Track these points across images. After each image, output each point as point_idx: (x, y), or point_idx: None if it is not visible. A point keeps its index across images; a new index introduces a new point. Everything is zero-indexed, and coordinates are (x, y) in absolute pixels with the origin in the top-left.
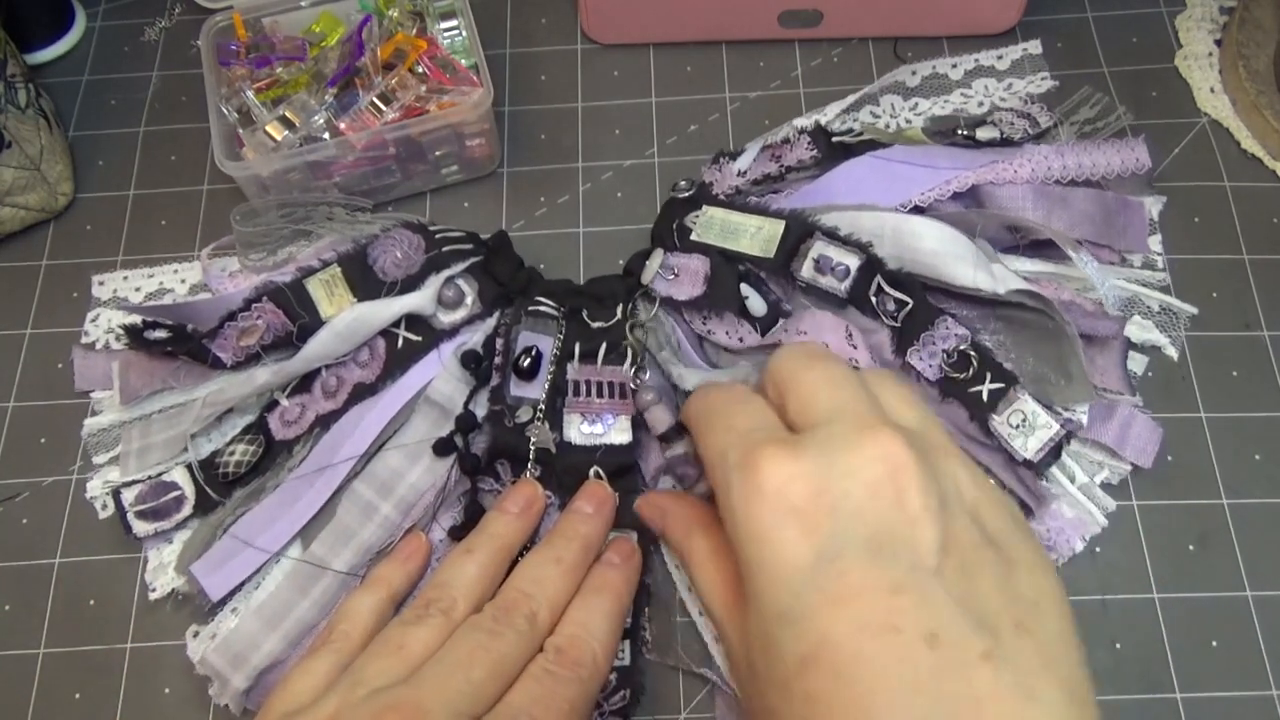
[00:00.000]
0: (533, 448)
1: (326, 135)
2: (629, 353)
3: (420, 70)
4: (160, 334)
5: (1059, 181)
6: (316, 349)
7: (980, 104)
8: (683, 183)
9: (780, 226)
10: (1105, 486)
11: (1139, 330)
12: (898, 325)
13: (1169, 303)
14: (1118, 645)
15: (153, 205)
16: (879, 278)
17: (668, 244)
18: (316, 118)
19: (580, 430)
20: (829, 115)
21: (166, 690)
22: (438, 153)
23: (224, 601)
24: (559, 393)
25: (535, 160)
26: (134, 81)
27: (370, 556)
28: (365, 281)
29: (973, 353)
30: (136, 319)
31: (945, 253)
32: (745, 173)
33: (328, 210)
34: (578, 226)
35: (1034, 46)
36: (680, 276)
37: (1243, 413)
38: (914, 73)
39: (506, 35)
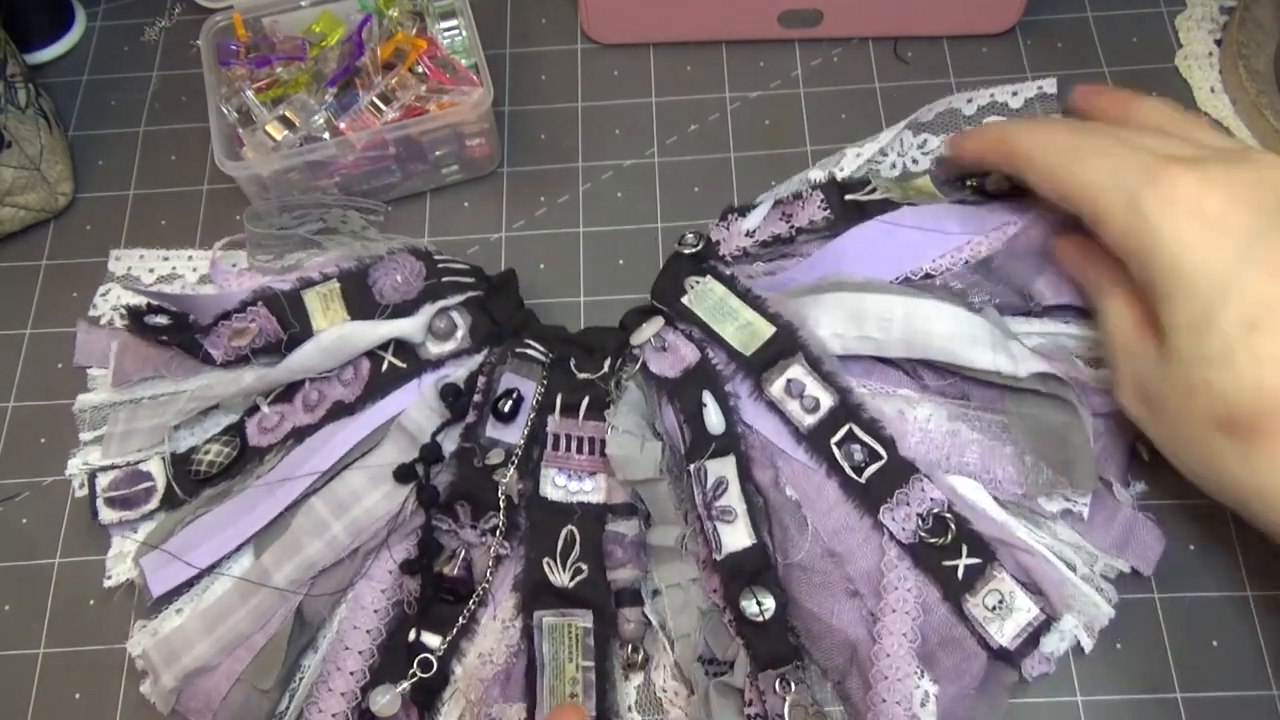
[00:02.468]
0: (502, 497)
1: (326, 135)
2: (611, 407)
3: (420, 70)
4: (160, 320)
5: None
6: (300, 360)
7: None
8: (689, 237)
9: (768, 331)
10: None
11: None
12: (861, 481)
13: None
14: (1118, 645)
15: (153, 205)
16: (852, 424)
17: (668, 303)
18: (316, 118)
19: (556, 484)
20: (845, 170)
21: None
22: (438, 153)
23: (169, 599)
24: (536, 442)
25: (535, 160)
26: (134, 81)
27: (313, 574)
28: (361, 301)
29: (949, 516)
30: (141, 301)
31: (960, 335)
32: (754, 232)
33: (341, 214)
34: (578, 226)
35: (1049, 85)
36: (667, 352)
37: None
38: (929, 108)
39: (506, 35)
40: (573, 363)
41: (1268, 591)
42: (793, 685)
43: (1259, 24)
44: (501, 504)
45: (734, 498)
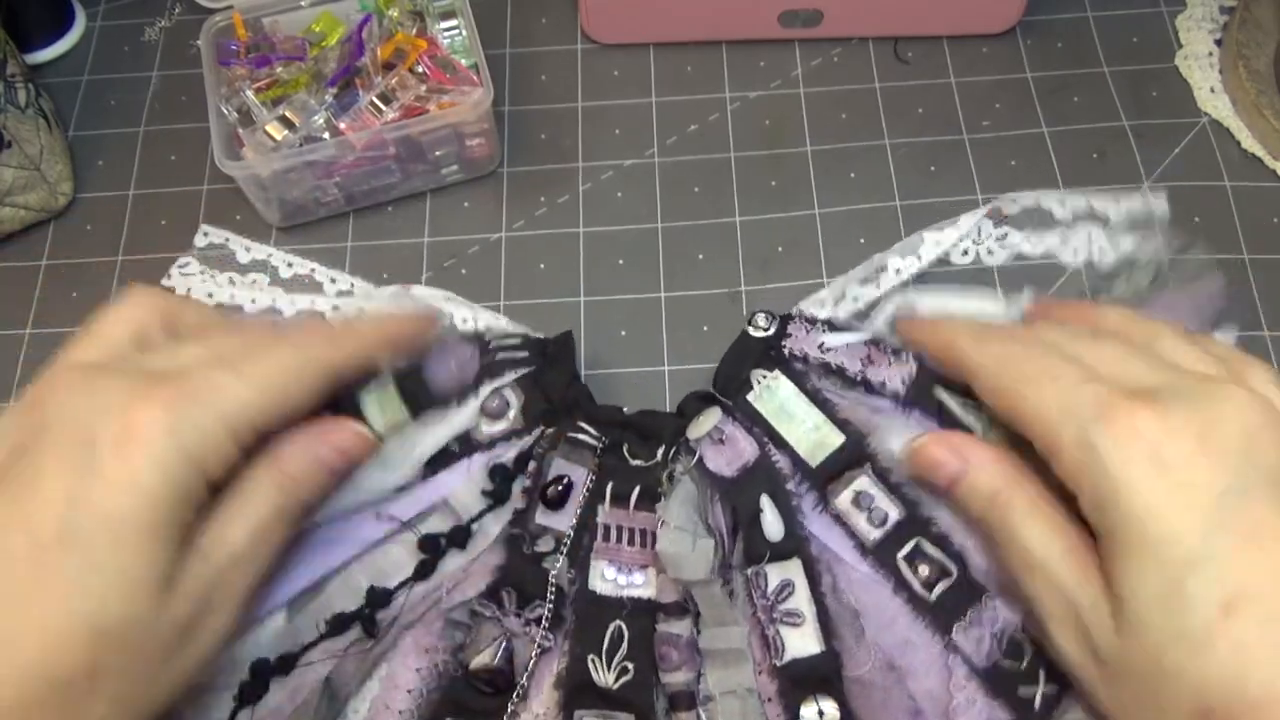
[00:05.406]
0: (552, 587)
1: (326, 135)
2: (662, 499)
3: (420, 70)
4: None
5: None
6: (363, 478)
7: (1075, 253)
8: (760, 319)
9: (837, 440)
10: None
11: None
12: (931, 599)
13: None
14: None
15: (153, 205)
16: (920, 539)
17: (730, 397)
18: (316, 118)
19: (605, 577)
20: (924, 260)
21: None
22: (438, 153)
23: None
24: (585, 531)
25: (535, 160)
26: (134, 81)
27: (345, 645)
28: (420, 398)
29: (1022, 637)
30: None
31: None
32: (829, 351)
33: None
34: (578, 226)
35: (1159, 203)
36: (725, 445)
37: None
38: (1014, 200)
39: (506, 35)
40: (626, 449)
41: None
42: None
43: (1259, 24)
44: (551, 595)
45: (802, 601)
